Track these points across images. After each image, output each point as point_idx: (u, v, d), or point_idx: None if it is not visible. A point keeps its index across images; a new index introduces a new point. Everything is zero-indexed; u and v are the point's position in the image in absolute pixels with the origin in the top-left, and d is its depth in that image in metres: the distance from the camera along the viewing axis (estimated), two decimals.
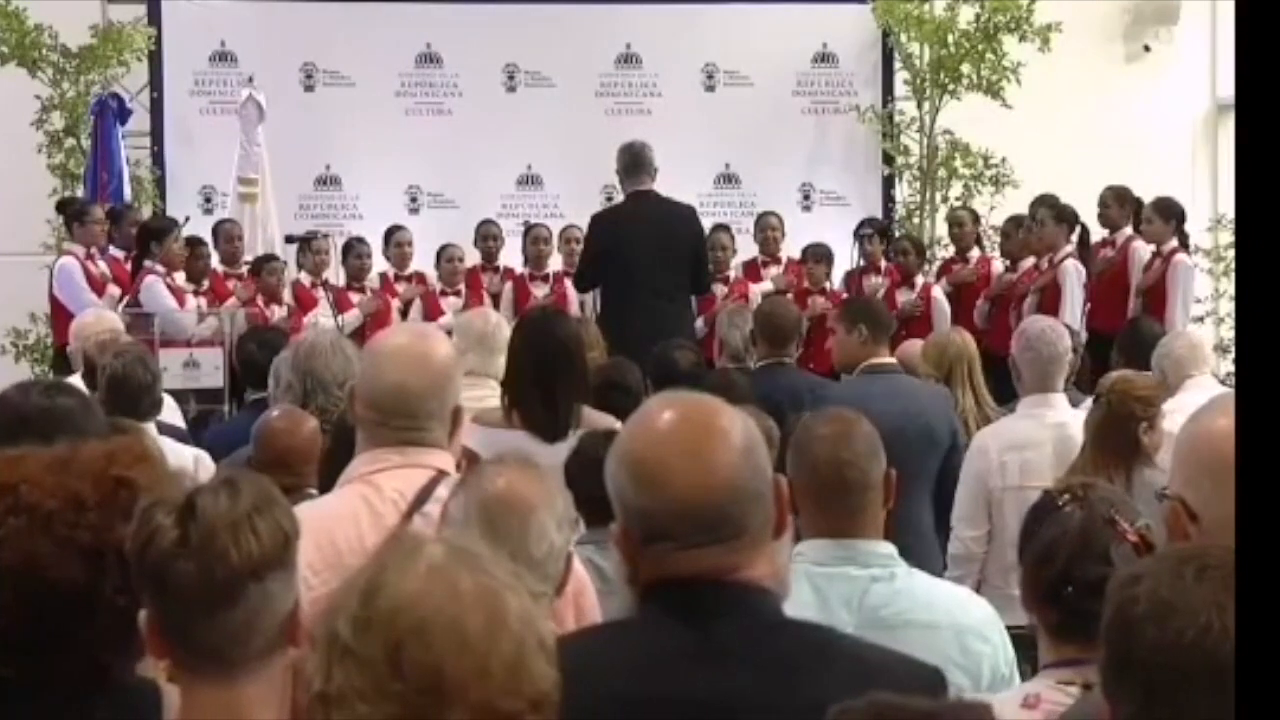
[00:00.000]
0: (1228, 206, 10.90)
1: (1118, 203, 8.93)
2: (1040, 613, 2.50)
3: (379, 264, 9.66)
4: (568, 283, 9.48)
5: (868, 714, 1.54)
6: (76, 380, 5.06)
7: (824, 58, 10.98)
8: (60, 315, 8.50)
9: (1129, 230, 8.90)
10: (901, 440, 4.79)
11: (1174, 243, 8.70)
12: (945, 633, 2.69)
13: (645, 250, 7.28)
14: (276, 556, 1.84)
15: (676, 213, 7.56)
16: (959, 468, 4.95)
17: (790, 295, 8.65)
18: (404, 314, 9.35)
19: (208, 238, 9.45)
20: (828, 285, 9.50)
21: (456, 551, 1.54)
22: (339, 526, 2.72)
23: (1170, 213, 8.71)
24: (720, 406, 1.99)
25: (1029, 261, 9.15)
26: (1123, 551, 2.40)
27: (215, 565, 1.80)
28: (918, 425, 4.93)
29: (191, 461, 4.54)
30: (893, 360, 5.37)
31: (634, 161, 7.52)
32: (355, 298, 9.28)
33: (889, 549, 2.80)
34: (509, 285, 9.58)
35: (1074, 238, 8.98)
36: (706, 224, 9.98)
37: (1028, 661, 4.14)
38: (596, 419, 4.20)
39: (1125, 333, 6.40)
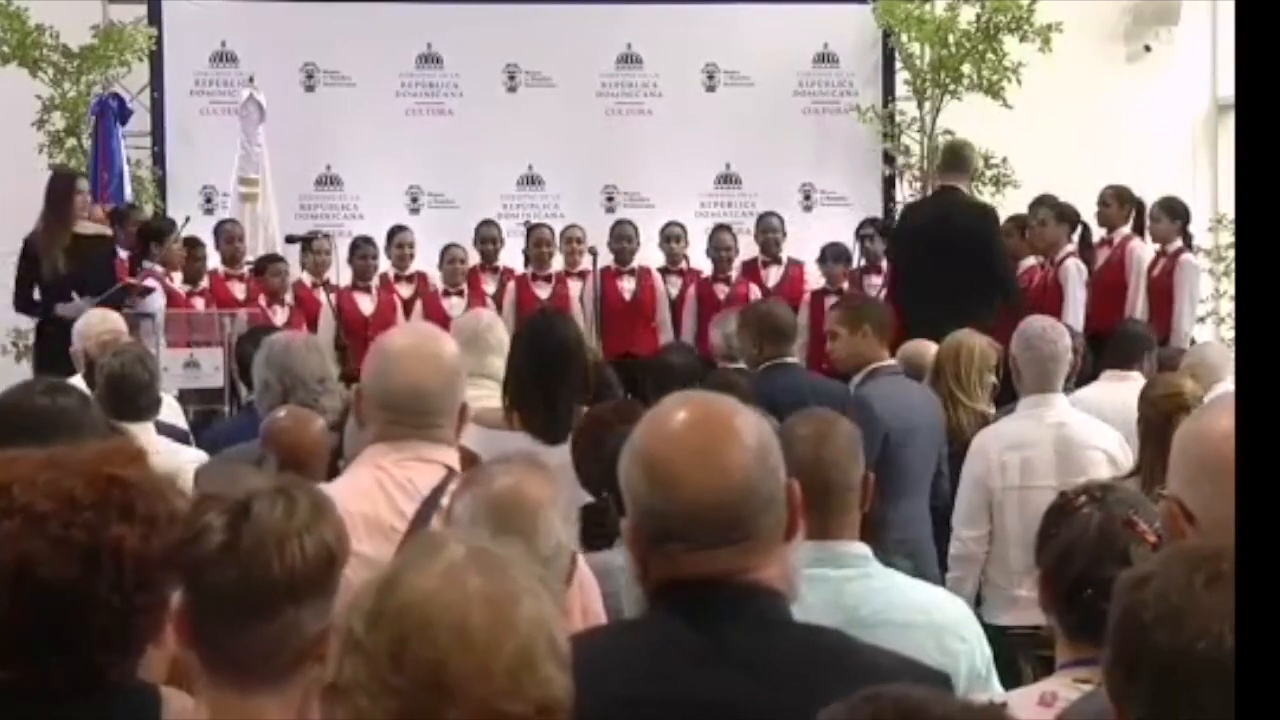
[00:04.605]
0: (1228, 206, 10.90)
1: (1117, 202, 8.92)
2: (1058, 613, 2.50)
3: (381, 264, 9.66)
4: (570, 283, 9.48)
5: (889, 702, 1.53)
6: (78, 381, 5.06)
7: (824, 58, 10.97)
8: None
9: (1126, 229, 8.90)
10: (917, 441, 4.95)
11: (1179, 242, 8.70)
12: (921, 631, 2.68)
13: (931, 245, 7.31)
14: (318, 579, 1.84)
15: (966, 210, 7.46)
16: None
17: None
18: (406, 315, 9.33)
19: (208, 238, 9.45)
20: (845, 285, 9.48)
21: (478, 552, 1.53)
22: (353, 502, 2.71)
23: (1176, 212, 8.72)
24: (736, 407, 1.96)
25: (1030, 261, 9.15)
26: (1141, 553, 2.40)
27: (256, 579, 1.80)
28: (929, 426, 5.07)
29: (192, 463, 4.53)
30: (895, 362, 5.36)
31: (944, 157, 7.58)
32: (359, 298, 9.29)
33: (863, 549, 2.81)
34: (511, 286, 9.54)
35: (1075, 237, 8.98)
36: (707, 224, 10.04)
37: (1028, 661, 4.14)
38: None
39: (1114, 337, 6.39)
